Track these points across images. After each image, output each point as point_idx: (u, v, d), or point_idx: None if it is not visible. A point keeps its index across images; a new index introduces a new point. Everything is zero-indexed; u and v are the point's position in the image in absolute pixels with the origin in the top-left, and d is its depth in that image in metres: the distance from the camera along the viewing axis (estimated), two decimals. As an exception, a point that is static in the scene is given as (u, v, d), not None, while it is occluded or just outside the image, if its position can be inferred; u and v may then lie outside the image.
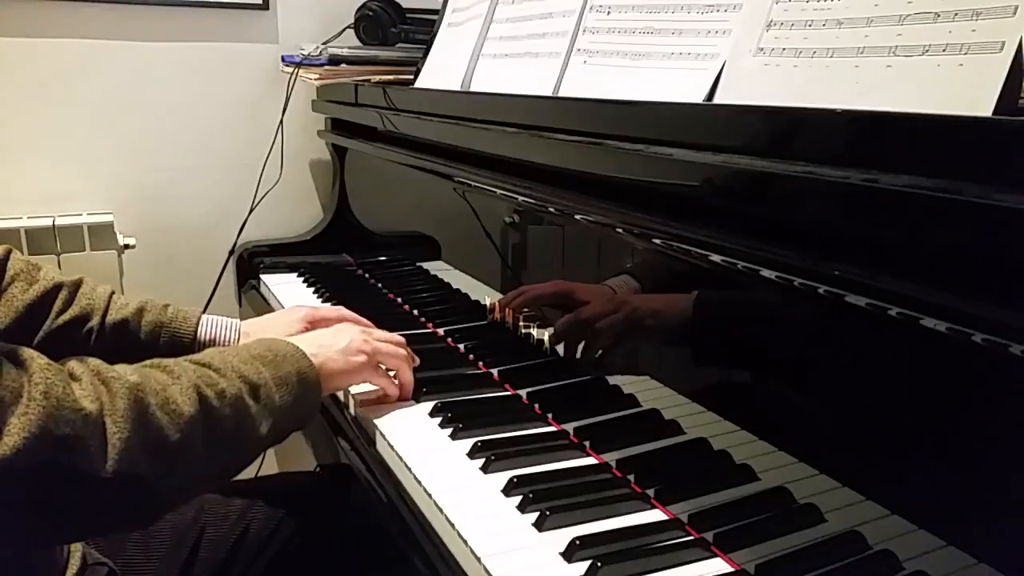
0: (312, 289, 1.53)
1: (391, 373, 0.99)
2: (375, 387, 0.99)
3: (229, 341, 1.06)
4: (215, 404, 0.74)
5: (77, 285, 1.03)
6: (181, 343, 1.03)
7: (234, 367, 0.79)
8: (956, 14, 0.61)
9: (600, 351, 0.97)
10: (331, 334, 0.97)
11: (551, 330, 1.05)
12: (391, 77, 1.59)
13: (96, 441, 0.64)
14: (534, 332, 1.08)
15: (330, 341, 0.94)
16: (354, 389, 1.02)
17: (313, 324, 1.09)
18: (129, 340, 1.01)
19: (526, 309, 1.09)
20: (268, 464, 1.81)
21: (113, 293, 1.05)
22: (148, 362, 0.76)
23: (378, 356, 0.97)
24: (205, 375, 0.76)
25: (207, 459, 0.73)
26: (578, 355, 1.00)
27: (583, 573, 0.66)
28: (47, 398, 0.61)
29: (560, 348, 1.03)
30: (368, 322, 1.12)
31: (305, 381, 0.84)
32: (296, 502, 1.01)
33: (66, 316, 1.00)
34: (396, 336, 1.04)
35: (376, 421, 0.94)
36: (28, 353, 0.65)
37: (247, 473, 0.84)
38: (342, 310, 1.14)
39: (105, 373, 0.69)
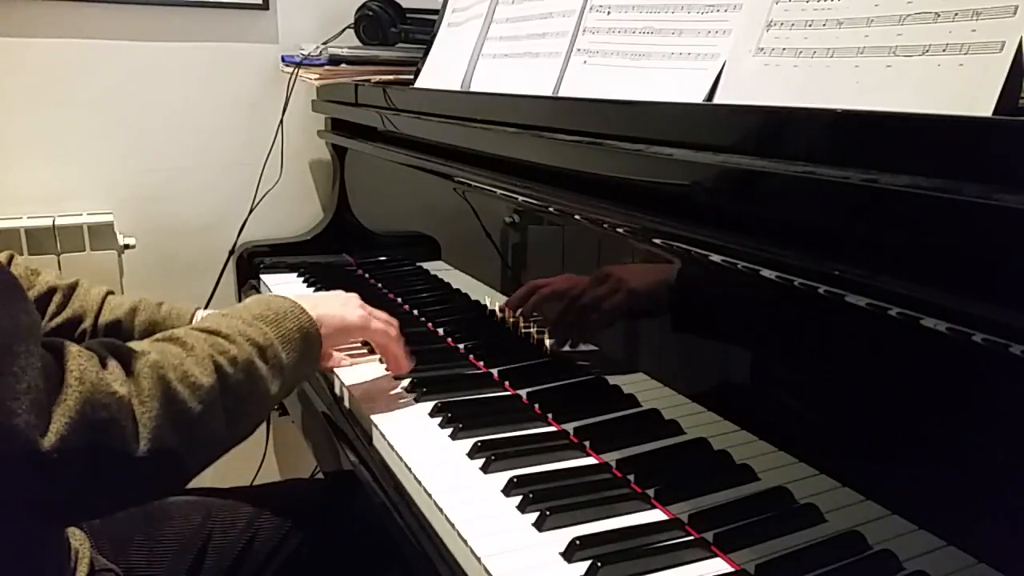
0: (312, 289, 1.53)
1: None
2: (369, 377, 1.01)
3: None
4: (229, 371, 0.75)
5: (72, 288, 1.03)
6: None
7: (240, 331, 0.80)
8: (956, 14, 0.61)
9: (594, 343, 0.96)
10: (326, 294, 1.00)
11: (552, 325, 1.05)
12: (391, 77, 1.59)
13: (128, 423, 0.66)
14: (534, 332, 1.08)
15: (325, 298, 0.96)
16: (348, 380, 1.03)
17: None
18: (122, 341, 1.01)
19: (536, 314, 1.08)
20: (269, 468, 1.81)
21: (109, 294, 1.05)
22: (160, 335, 0.78)
23: (373, 317, 0.98)
24: (216, 343, 0.77)
25: (226, 424, 0.75)
26: (575, 348, 1.00)
27: (583, 573, 0.66)
28: (82, 384, 0.64)
29: (559, 343, 1.03)
30: None
31: (307, 336, 0.86)
32: (302, 511, 1.01)
33: (59, 319, 1.01)
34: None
35: (376, 421, 0.94)
36: (59, 341, 0.67)
37: (247, 479, 0.85)
38: None
39: (125, 354, 0.71)
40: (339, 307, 0.94)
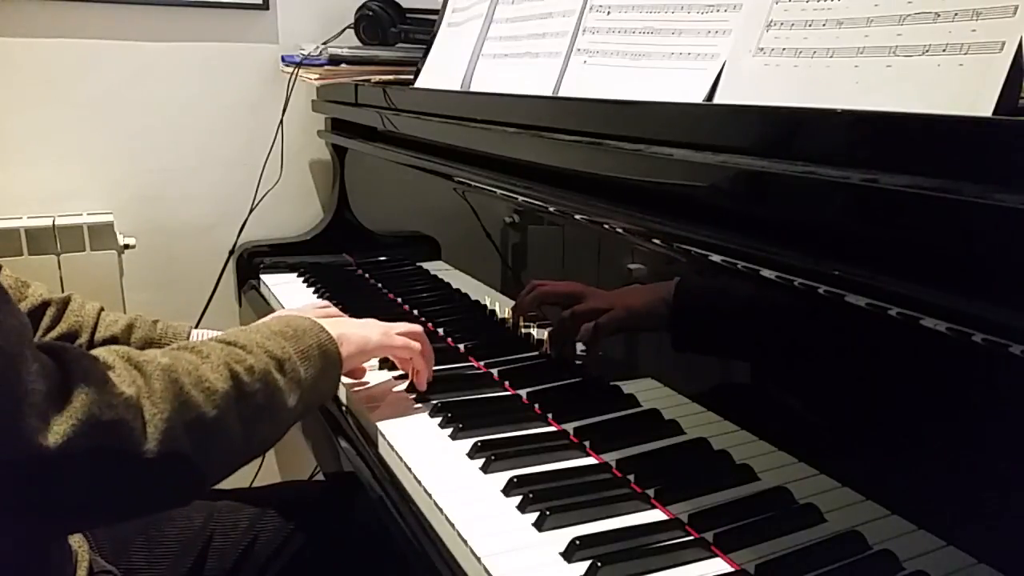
0: (312, 289, 1.53)
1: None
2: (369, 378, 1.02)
3: None
4: (246, 380, 0.74)
5: (65, 302, 1.02)
6: None
7: (258, 343, 0.79)
8: (956, 14, 0.61)
9: (598, 350, 0.96)
10: (346, 319, 1.00)
11: (551, 329, 1.05)
12: (391, 77, 1.59)
13: (137, 423, 0.65)
14: (534, 332, 1.08)
15: (345, 320, 0.96)
16: (348, 381, 1.03)
17: None
18: None
19: (534, 311, 1.08)
20: (269, 468, 1.81)
21: (102, 310, 1.04)
22: (175, 345, 0.77)
23: (394, 331, 0.98)
24: (232, 352, 0.76)
25: (243, 433, 0.74)
26: (576, 353, 1.00)
27: (583, 573, 0.66)
28: (88, 384, 0.62)
29: (558, 348, 1.03)
30: None
31: (326, 354, 0.85)
32: (303, 512, 1.01)
33: (53, 334, 1.00)
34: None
35: (377, 422, 0.94)
36: (62, 345, 0.66)
37: (247, 480, 0.84)
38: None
39: (136, 358, 0.69)
40: (359, 327, 0.94)
